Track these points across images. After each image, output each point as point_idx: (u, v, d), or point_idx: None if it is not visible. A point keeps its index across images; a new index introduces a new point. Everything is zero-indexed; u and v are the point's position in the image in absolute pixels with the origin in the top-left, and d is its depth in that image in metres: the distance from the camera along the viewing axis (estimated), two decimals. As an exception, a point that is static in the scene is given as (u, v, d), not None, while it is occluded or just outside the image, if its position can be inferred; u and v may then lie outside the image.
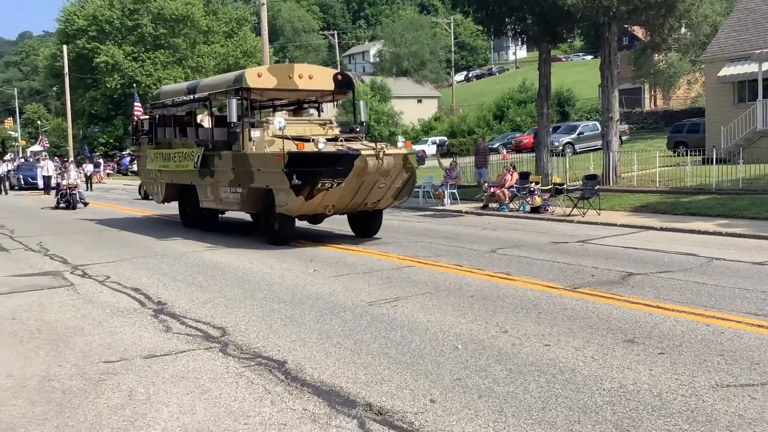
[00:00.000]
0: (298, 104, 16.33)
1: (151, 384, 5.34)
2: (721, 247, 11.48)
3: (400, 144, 12.81)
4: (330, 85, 14.38)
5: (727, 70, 28.24)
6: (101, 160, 51.55)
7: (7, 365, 5.97)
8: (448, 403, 4.77)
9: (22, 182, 38.44)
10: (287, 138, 12.61)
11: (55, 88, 74.49)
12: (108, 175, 49.87)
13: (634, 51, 45.68)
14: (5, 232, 16.49)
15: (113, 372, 5.66)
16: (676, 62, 44.34)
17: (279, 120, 12.76)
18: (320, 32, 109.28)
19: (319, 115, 15.91)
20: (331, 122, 14.75)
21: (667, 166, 23.55)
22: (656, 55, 42.48)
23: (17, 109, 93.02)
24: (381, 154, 11.88)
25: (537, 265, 10.01)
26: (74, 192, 24.32)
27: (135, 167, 40.39)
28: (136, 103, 29.52)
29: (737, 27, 29.75)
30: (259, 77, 13.43)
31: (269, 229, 12.97)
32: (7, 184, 37.07)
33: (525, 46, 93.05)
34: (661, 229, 13.88)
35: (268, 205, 12.76)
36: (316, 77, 14.23)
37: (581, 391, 4.90)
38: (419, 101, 75.54)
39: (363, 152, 11.75)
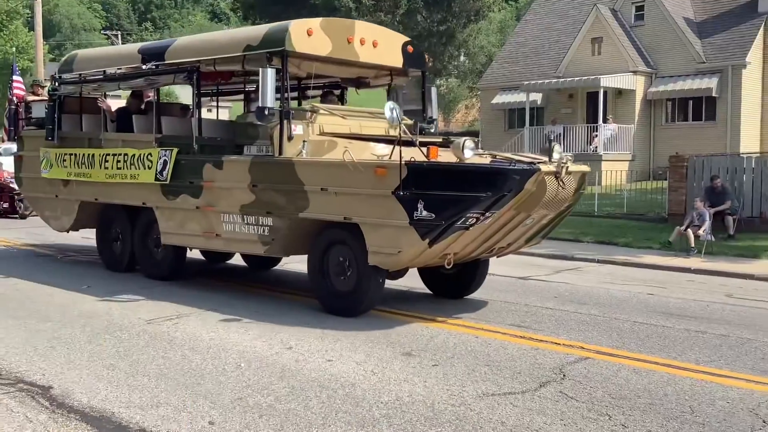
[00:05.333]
0: (358, 84, 10.42)
1: None
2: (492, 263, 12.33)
3: (556, 155, 7.31)
4: (398, 59, 9.47)
5: (499, 98, 30.61)
6: None
7: None
8: (228, 424, 4.68)
9: None
10: (385, 139, 8.08)
11: None
12: None
13: (418, 74, 48.07)
14: None
15: None
16: (455, 88, 47.32)
17: (390, 106, 7.30)
18: (102, 32, 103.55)
19: (343, 103, 10.62)
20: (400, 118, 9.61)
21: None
22: (437, 80, 45.02)
23: None
24: (563, 172, 7.21)
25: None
26: None
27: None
28: (15, 77, 19.32)
29: (509, 59, 32.39)
30: (310, 36, 8.34)
31: (328, 293, 7.97)
32: None
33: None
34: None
35: (328, 251, 7.93)
36: (382, 45, 9.23)
37: (360, 405, 5.03)
38: (209, 111, 73.89)
39: (542, 168, 7.00)
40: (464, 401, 5.15)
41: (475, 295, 8.94)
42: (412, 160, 7.00)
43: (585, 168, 7.91)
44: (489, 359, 6.24)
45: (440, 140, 8.37)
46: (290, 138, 8.07)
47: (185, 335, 6.92)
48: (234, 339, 6.79)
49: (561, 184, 7.21)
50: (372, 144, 7.91)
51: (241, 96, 11.49)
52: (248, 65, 8.83)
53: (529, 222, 7.59)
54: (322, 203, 7.72)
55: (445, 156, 7.27)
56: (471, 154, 7.06)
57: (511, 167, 6.96)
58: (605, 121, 26.24)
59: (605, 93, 26.58)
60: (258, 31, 8.68)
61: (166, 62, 9.43)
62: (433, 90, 10.29)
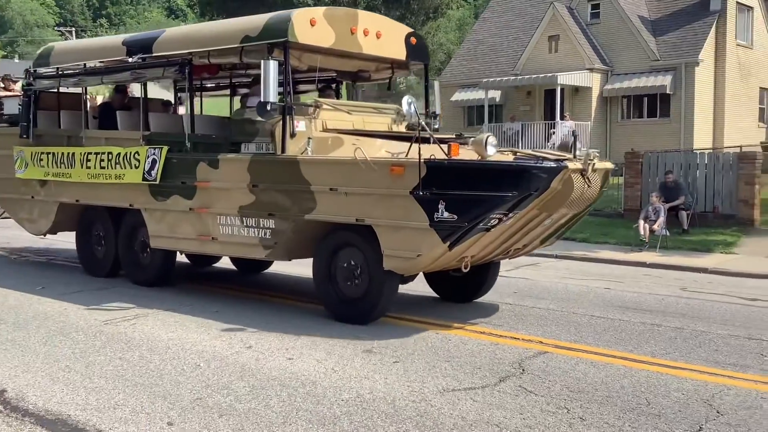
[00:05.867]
0: (355, 78, 10.01)
1: None
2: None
3: (582, 151, 6.97)
4: (401, 51, 9.01)
5: (458, 96, 30.75)
6: None
7: None
8: (187, 424, 4.63)
9: None
10: (395, 135, 7.84)
11: None
12: None
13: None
14: None
15: None
16: (414, 85, 47.40)
17: (408, 100, 7.13)
18: (56, 28, 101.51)
19: (338, 98, 10.15)
20: (399, 112, 8.88)
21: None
22: (397, 77, 45.10)
23: None
24: (590, 169, 6.84)
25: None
26: None
27: None
28: None
29: (467, 56, 32.56)
30: (313, 26, 7.88)
31: (336, 299, 7.55)
32: None
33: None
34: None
35: (336, 254, 7.51)
36: (385, 36, 8.75)
37: (321, 403, 5.02)
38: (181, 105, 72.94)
39: (569, 165, 6.65)
40: (425, 397, 5.17)
41: (428, 293, 8.97)
42: (432, 158, 6.59)
43: (609, 165, 7.63)
44: (449, 355, 6.28)
45: (452, 136, 7.74)
46: (293, 135, 7.59)
47: (143, 335, 6.83)
48: (193, 339, 6.72)
49: (587, 181, 6.84)
50: (379, 141, 7.50)
51: (227, 91, 11.25)
52: (246, 57, 8.23)
53: (548, 222, 7.26)
54: (330, 204, 7.27)
55: (465, 153, 6.83)
56: (494, 151, 6.65)
57: (538, 165, 6.58)
58: (562, 118, 26.55)
59: (562, 90, 26.90)
60: (257, 21, 8.10)
61: (154, 54, 8.86)
62: (437, 84, 9.83)
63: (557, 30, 28.03)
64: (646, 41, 27.06)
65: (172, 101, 11.38)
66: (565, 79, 26.72)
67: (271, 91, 7.29)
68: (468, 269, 7.20)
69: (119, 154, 9.10)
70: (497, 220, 6.61)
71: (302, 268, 9.11)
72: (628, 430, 4.63)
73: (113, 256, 9.69)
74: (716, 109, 27.64)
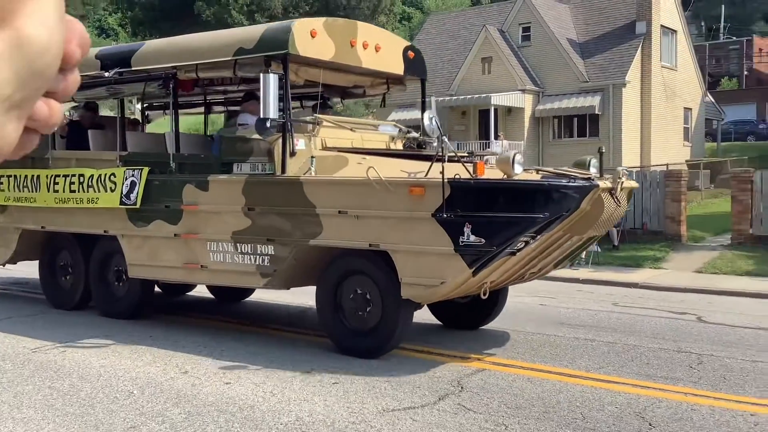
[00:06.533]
0: (347, 93, 9.66)
1: None
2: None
3: (616, 171, 6.76)
4: (399, 65, 8.60)
5: (395, 115, 30.89)
6: None
7: None
8: (121, 454, 4.50)
9: None
10: (404, 154, 7.53)
11: None
12: None
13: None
14: None
15: None
16: (351, 105, 47.56)
17: (429, 115, 6.98)
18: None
19: (326, 112, 9.10)
20: (403, 129, 8.71)
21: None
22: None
23: None
24: (619, 188, 6.48)
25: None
26: None
27: None
28: None
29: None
30: (313, 38, 7.39)
31: (344, 332, 7.01)
32: None
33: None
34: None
35: (342, 282, 6.98)
36: (384, 50, 8.30)
37: (259, 428, 4.95)
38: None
39: (600, 184, 6.24)
40: (364, 418, 5.16)
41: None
42: (457, 177, 6.12)
43: (634, 184, 7.16)
44: (389, 374, 6.28)
45: (454, 155, 7.08)
46: (293, 153, 7.05)
47: (73, 363, 6.62)
48: (126, 365, 6.55)
49: (617, 201, 6.46)
50: (393, 160, 7.02)
51: (201, 108, 10.86)
52: (241, 71, 7.70)
53: (568, 244, 6.81)
54: (338, 228, 6.72)
55: (489, 172, 6.37)
56: (521, 170, 6.20)
57: (572, 184, 6.15)
58: (496, 138, 27.06)
59: (496, 110, 27.45)
60: (252, 32, 7.73)
61: (132, 69, 8.32)
62: (434, 100, 9.02)
63: (490, 52, 28.63)
64: (575, 63, 27.86)
65: (140, 120, 10.86)
66: (499, 99, 27.27)
67: (271, 106, 6.64)
68: (486, 295, 6.72)
69: (92, 176, 8.44)
70: (524, 243, 6.16)
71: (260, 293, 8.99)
72: (565, 444, 4.71)
73: (82, 286, 8.99)
74: (643, 129, 28.60)
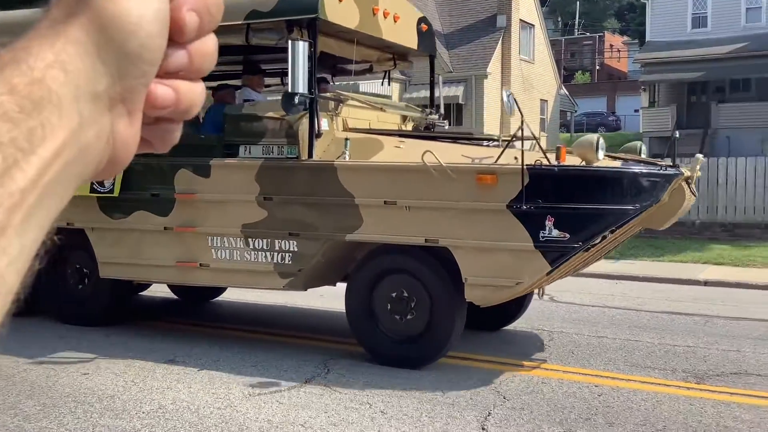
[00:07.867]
0: (335, 71, 8.50)
1: None
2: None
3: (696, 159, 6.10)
4: (413, 39, 7.68)
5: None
6: None
7: None
8: (-31, 450, 4.28)
9: None
10: (451, 135, 6.66)
11: None
12: None
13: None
14: None
15: None
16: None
17: (507, 92, 5.99)
18: None
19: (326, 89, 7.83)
20: (410, 106, 8.03)
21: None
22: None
23: None
24: (695, 177, 5.89)
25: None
26: None
27: None
28: None
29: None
30: (341, 2, 6.40)
31: (383, 339, 6.13)
32: None
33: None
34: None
35: (378, 283, 6.12)
36: (402, 20, 7.38)
37: (120, 417, 4.84)
38: None
39: (685, 172, 5.73)
40: (230, 403, 5.15)
41: (249, 298, 8.90)
42: (538, 163, 5.44)
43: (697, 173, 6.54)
44: (256, 360, 6.28)
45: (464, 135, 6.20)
46: (318, 135, 6.10)
47: None
48: (-26, 359, 6.19)
49: (692, 191, 5.86)
50: (424, 143, 6.11)
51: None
52: (254, 38, 6.48)
53: (621, 236, 6.05)
54: (383, 221, 5.86)
55: (570, 157, 5.71)
56: (604, 156, 5.58)
57: (663, 172, 5.56)
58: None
59: (364, 98, 27.71)
60: None
61: None
62: (441, 78, 8.55)
63: (358, 39, 28.84)
64: (440, 54, 28.56)
65: None
66: (366, 87, 27.54)
67: (300, 79, 5.66)
68: (543, 294, 6.26)
69: None
70: (601, 238, 5.46)
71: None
72: (426, 419, 4.90)
73: (31, 287, 7.32)
74: (503, 119, 29.77)
